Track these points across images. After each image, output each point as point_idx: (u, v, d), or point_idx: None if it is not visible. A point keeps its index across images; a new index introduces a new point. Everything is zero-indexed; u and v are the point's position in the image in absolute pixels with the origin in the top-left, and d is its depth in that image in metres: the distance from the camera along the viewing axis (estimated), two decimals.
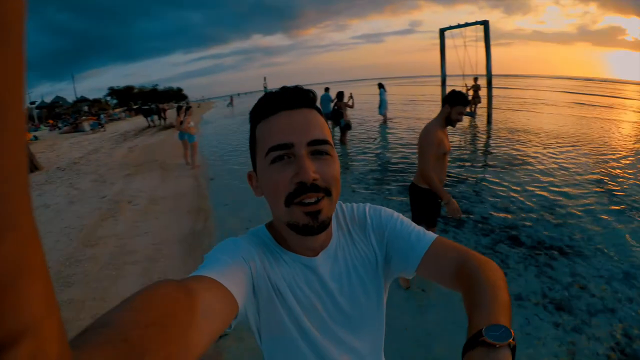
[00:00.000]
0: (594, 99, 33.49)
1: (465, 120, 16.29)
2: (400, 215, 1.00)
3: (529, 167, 8.38)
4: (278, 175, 0.79)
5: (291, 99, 0.83)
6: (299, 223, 0.80)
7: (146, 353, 0.41)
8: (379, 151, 10.23)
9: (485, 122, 15.22)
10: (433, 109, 19.98)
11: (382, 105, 15.28)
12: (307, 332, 0.86)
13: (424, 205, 3.70)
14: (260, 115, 0.85)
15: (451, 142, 10.67)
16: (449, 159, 3.78)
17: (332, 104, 12.61)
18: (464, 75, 15.56)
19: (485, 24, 14.22)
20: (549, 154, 9.69)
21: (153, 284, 0.54)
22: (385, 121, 15.39)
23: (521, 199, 6.40)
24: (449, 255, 0.87)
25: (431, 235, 0.92)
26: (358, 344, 0.92)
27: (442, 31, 15.87)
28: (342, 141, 10.81)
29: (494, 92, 15.87)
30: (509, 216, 5.66)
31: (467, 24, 14.79)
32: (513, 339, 0.59)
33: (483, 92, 16.19)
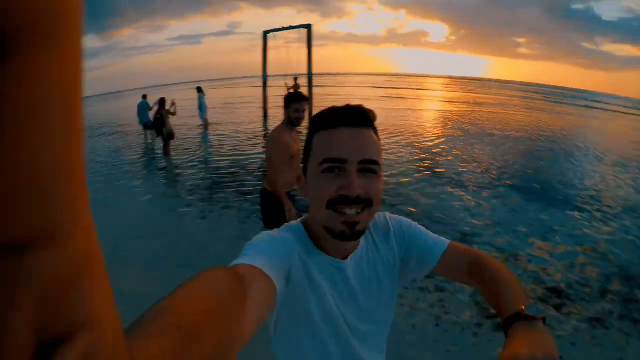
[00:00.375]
0: (403, 92, 38.24)
1: None
2: (416, 223, 1.12)
3: None
4: (326, 184, 0.87)
5: (353, 117, 0.89)
6: (336, 229, 0.87)
7: (199, 339, 0.41)
8: (206, 159, 9.59)
9: (307, 120, 15.59)
10: (254, 111, 19.96)
11: (202, 110, 14.63)
12: (330, 321, 0.94)
13: (277, 210, 3.55)
14: (321, 125, 0.91)
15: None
16: (299, 161, 3.70)
17: (150, 112, 11.58)
18: (285, 75, 15.83)
19: (308, 27, 14.64)
20: None
21: (206, 270, 0.55)
22: (206, 126, 14.73)
23: None
24: (460, 256, 1.03)
25: (445, 240, 1.07)
26: (370, 332, 1.02)
27: (265, 34, 15.92)
28: (166, 152, 9.75)
29: (313, 90, 16.44)
30: None
31: (291, 27, 15.07)
32: (543, 315, 0.76)
33: (304, 91, 16.54)
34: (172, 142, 10.05)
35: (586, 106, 39.58)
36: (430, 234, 1.09)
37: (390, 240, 1.06)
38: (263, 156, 9.59)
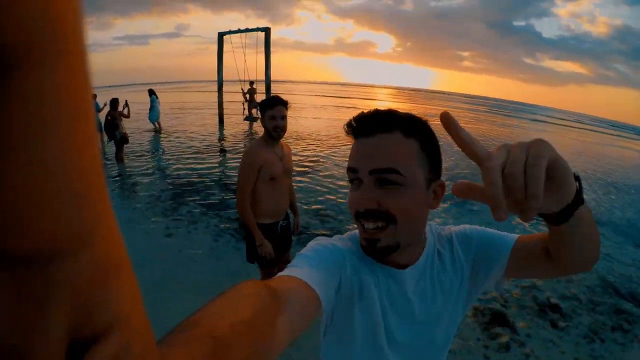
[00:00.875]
0: (354, 102, 38.46)
1: (244, 125, 16.10)
2: (482, 227, 1.01)
3: (320, 173, 8.63)
4: (350, 195, 0.87)
5: (365, 126, 0.85)
6: (362, 243, 0.87)
7: (231, 350, 0.42)
8: (164, 167, 8.94)
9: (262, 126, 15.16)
10: (208, 116, 19.24)
11: (155, 113, 13.93)
12: (370, 333, 0.89)
13: (253, 242, 2.98)
14: (352, 136, 0.89)
15: (230, 150, 10.65)
16: (290, 183, 3.17)
17: (100, 114, 10.82)
18: (238, 81, 15.42)
19: (266, 31, 14.20)
20: (332, 157, 10.20)
21: (238, 284, 0.56)
22: (159, 131, 14.01)
23: (333, 199, 6.42)
24: (533, 241, 0.89)
25: (515, 235, 0.96)
26: (425, 349, 0.95)
27: (221, 35, 15.37)
28: (119, 158, 9.07)
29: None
30: (327, 218, 5.67)
31: (248, 30, 14.55)
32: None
33: (259, 97, 16.16)
34: (125, 147, 9.39)
35: (534, 120, 42.57)
36: (498, 232, 0.99)
37: (455, 248, 0.98)
38: (223, 166, 9.16)
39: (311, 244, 0.89)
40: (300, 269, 0.75)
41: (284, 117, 2.79)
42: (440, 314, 0.95)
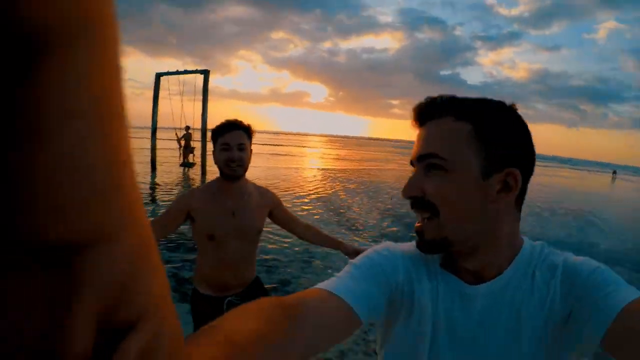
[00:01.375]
0: (289, 150, 38.67)
1: (178, 172, 15.47)
2: (608, 269, 0.70)
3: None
4: None
5: (420, 116, 0.78)
6: None
7: (247, 355, 0.44)
8: None
9: (199, 173, 14.67)
10: (139, 163, 18.30)
11: None
12: (409, 354, 0.77)
13: (199, 314, 2.19)
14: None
15: (161, 199, 10.03)
16: (254, 248, 2.24)
17: None
18: (173, 128, 14.94)
19: (205, 73, 13.90)
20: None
21: (257, 300, 0.57)
22: None
23: (278, 252, 6.13)
24: None
25: (629, 295, 0.61)
26: None
27: (158, 76, 14.69)
28: None
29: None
30: (273, 269, 5.46)
31: (187, 72, 14.19)
32: None
33: (195, 144, 15.83)
34: None
35: None
36: (621, 282, 0.67)
37: (555, 280, 0.72)
38: (153, 216, 8.59)
39: (368, 249, 0.83)
40: (338, 279, 0.72)
41: (242, 147, 1.97)
42: (507, 355, 0.72)
